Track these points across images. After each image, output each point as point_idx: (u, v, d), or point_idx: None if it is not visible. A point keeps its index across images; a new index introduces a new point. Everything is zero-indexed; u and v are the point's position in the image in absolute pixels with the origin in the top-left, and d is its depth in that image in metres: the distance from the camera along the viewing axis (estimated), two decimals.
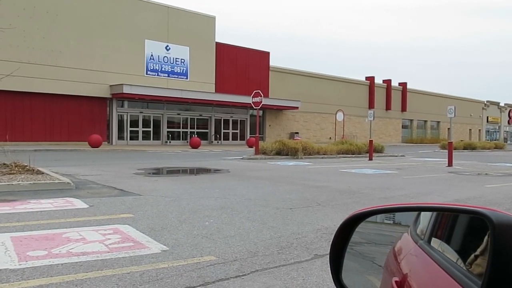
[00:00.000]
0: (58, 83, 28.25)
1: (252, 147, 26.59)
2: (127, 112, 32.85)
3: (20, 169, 9.68)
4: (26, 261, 3.86)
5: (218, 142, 37.82)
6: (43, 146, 25.05)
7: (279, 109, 41.25)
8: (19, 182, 8.40)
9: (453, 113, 17.83)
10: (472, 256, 0.97)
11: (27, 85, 26.76)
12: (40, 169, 10.15)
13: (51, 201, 7.13)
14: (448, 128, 27.16)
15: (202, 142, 32.89)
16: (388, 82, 55.11)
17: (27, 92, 27.28)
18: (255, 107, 22.25)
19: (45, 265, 3.77)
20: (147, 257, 4.10)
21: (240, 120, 39.92)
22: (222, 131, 38.63)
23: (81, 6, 29.52)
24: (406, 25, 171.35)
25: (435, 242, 1.19)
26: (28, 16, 26.97)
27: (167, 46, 34.06)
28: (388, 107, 54.64)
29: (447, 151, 18.75)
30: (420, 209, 1.35)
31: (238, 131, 39.83)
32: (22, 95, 27.27)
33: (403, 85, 57.29)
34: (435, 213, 1.25)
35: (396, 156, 24.21)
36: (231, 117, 39.20)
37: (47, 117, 28.59)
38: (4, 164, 10.07)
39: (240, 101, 35.36)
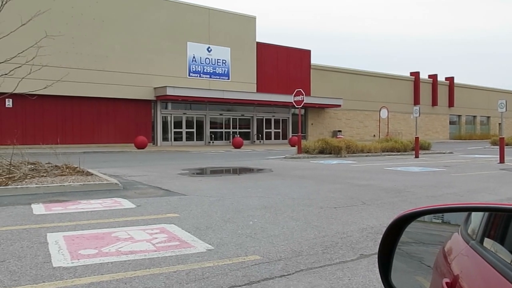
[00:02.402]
0: (105, 87, 29.20)
1: (294, 146, 26.52)
2: (171, 114, 33.51)
3: (70, 171, 10.08)
4: (78, 260, 4.00)
5: (260, 141, 37.94)
6: (92, 148, 25.96)
7: (321, 107, 40.90)
8: (70, 183, 8.74)
9: (505, 107, 17.15)
10: None
11: (76, 89, 27.80)
12: (89, 170, 10.52)
13: (100, 201, 7.37)
14: (499, 123, 26.08)
15: (245, 142, 33.10)
16: (434, 77, 53.49)
17: (76, 96, 28.34)
18: (296, 106, 22.19)
19: (96, 263, 3.91)
20: (193, 256, 4.17)
21: (282, 119, 39.88)
22: (264, 130, 38.72)
23: (125, 12, 30.37)
24: (446, 17, 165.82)
25: (488, 243, 1.15)
26: (76, 23, 28.02)
27: (209, 47, 34.48)
28: (434, 103, 53.06)
29: (498, 147, 18.01)
30: (472, 210, 1.30)
31: (280, 130, 39.80)
32: (72, 100, 28.36)
33: (450, 79, 55.47)
34: (487, 212, 1.20)
35: (444, 153, 23.47)
36: (273, 116, 39.22)
37: (94, 120, 29.60)
38: (56, 166, 10.52)
39: (281, 100, 35.34)
